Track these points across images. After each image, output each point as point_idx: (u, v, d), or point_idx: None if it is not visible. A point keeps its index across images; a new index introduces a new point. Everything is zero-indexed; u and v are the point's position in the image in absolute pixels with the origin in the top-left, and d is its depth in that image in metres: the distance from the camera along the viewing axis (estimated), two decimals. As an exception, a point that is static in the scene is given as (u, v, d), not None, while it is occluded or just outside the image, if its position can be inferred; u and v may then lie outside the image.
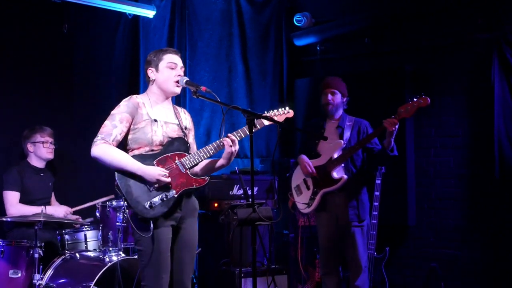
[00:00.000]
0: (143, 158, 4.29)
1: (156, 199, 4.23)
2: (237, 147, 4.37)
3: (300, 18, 7.84)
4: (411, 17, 7.11)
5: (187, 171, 4.36)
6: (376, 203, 6.38)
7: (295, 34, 8.04)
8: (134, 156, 4.29)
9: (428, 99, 5.31)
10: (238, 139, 4.40)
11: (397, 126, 5.34)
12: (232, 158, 4.41)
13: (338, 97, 5.68)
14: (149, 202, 4.21)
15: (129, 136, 4.37)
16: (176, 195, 4.29)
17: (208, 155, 4.40)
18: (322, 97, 5.73)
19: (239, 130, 4.44)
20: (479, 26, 6.66)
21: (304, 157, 5.70)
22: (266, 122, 4.51)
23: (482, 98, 6.64)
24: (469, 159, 6.81)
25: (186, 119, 4.63)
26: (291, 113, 4.70)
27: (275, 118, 4.58)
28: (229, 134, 4.38)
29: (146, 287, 4.28)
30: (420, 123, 7.03)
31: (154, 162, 4.29)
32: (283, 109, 4.68)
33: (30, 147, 5.86)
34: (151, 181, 4.22)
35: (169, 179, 4.25)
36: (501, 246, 6.52)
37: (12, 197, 5.67)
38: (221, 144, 4.37)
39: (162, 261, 4.27)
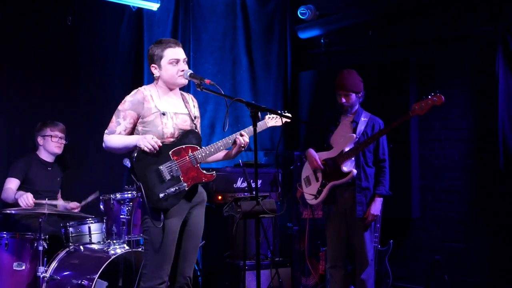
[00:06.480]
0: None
1: (171, 191, 4.27)
2: (246, 147, 4.52)
3: (304, 11, 7.83)
4: (415, 9, 7.10)
5: (198, 165, 4.41)
6: (380, 196, 6.37)
7: (299, 27, 8.04)
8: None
9: (442, 97, 5.29)
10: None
11: None
12: (239, 153, 4.57)
13: (352, 97, 5.61)
14: (164, 194, 4.25)
15: (139, 128, 4.41)
16: (187, 188, 4.34)
17: (218, 151, 4.48)
18: (337, 97, 5.67)
19: (245, 129, 4.54)
20: (484, 18, 6.65)
21: (311, 152, 5.70)
22: (269, 124, 4.67)
23: (486, 91, 6.63)
24: (474, 152, 6.80)
25: (194, 106, 4.66)
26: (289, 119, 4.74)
27: (275, 121, 4.67)
28: (243, 133, 4.49)
29: (146, 275, 4.31)
30: (424, 116, 6.98)
31: (170, 153, 4.34)
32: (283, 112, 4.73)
33: (40, 140, 5.88)
34: (145, 145, 4.22)
35: (159, 142, 4.26)
36: (506, 239, 6.52)
37: (9, 183, 5.69)
38: (230, 142, 4.48)
39: (167, 252, 4.31)
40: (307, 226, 6.74)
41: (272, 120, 4.69)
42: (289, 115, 4.72)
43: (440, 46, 7.03)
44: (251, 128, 4.41)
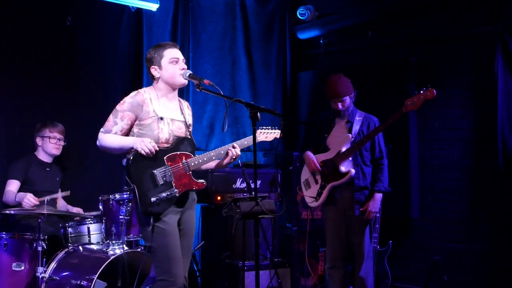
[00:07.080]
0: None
1: (163, 196, 4.31)
2: (237, 159, 4.65)
3: (304, 11, 7.83)
4: (415, 9, 7.10)
5: (190, 173, 4.46)
6: (379, 196, 6.37)
7: (298, 27, 8.04)
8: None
9: (434, 91, 5.32)
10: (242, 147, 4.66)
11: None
12: (229, 164, 4.68)
13: (346, 101, 5.61)
14: (156, 198, 4.29)
15: (135, 130, 4.44)
16: (178, 195, 4.39)
17: (210, 160, 4.57)
18: (332, 104, 5.67)
19: (238, 141, 4.66)
20: (484, 18, 6.65)
21: (309, 154, 5.71)
22: (259, 138, 4.80)
23: (485, 91, 6.63)
24: (473, 152, 6.80)
25: (189, 114, 4.72)
26: (278, 134, 4.87)
27: (265, 136, 4.83)
28: (235, 145, 4.60)
29: (163, 281, 4.32)
30: (423, 116, 7.02)
31: (165, 158, 4.39)
32: (273, 129, 4.88)
33: (38, 141, 5.89)
34: (142, 149, 4.27)
35: (156, 147, 4.31)
36: (506, 239, 6.51)
37: (10, 185, 5.70)
38: (222, 152, 4.59)
39: (174, 255, 4.33)
40: (307, 227, 6.73)
41: (262, 135, 4.83)
42: (279, 131, 4.85)
43: (440, 46, 7.02)
44: (243, 140, 4.64)
